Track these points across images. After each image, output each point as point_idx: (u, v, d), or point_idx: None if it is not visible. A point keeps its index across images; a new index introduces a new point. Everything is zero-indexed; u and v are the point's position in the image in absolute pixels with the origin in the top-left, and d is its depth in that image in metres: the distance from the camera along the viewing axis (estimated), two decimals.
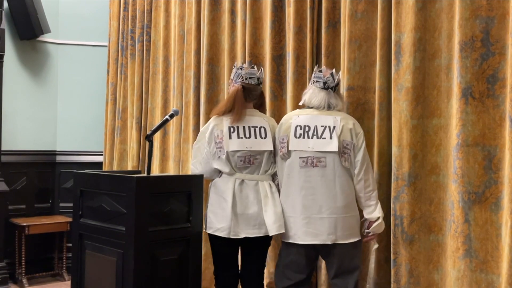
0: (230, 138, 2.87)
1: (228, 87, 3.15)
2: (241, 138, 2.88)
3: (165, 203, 2.80)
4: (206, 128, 2.97)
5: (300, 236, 2.77)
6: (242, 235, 2.82)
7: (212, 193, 2.95)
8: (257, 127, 2.93)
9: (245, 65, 3.06)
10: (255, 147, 2.89)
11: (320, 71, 2.90)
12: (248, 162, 2.88)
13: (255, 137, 2.90)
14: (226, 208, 2.83)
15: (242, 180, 2.87)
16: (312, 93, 2.88)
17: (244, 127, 2.90)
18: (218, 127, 2.91)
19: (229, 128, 2.88)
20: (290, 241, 2.81)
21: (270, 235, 2.82)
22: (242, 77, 2.93)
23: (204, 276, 3.79)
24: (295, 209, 2.78)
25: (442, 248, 2.60)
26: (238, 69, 3.00)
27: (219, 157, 2.89)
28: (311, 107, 2.87)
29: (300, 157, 2.78)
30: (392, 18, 2.76)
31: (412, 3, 2.66)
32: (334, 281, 2.82)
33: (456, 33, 2.48)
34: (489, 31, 2.39)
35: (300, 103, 2.97)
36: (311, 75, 3.25)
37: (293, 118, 2.86)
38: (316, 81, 2.88)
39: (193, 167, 3.01)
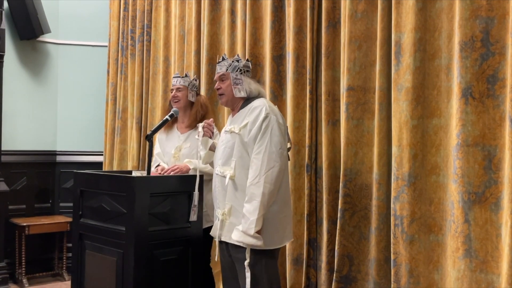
0: None
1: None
2: None
3: (165, 203, 2.81)
4: None
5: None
6: None
7: None
8: None
9: None
10: None
11: (248, 60, 2.89)
12: None
13: None
14: None
15: None
16: (255, 83, 2.86)
17: None
18: None
19: None
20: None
21: None
22: None
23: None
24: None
25: (442, 248, 2.60)
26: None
27: None
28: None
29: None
30: (392, 18, 2.76)
31: (412, 3, 2.66)
32: None
33: (456, 33, 2.47)
34: (489, 31, 2.39)
35: (244, 95, 2.79)
36: (312, 75, 3.27)
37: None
38: (247, 71, 2.85)
39: None
